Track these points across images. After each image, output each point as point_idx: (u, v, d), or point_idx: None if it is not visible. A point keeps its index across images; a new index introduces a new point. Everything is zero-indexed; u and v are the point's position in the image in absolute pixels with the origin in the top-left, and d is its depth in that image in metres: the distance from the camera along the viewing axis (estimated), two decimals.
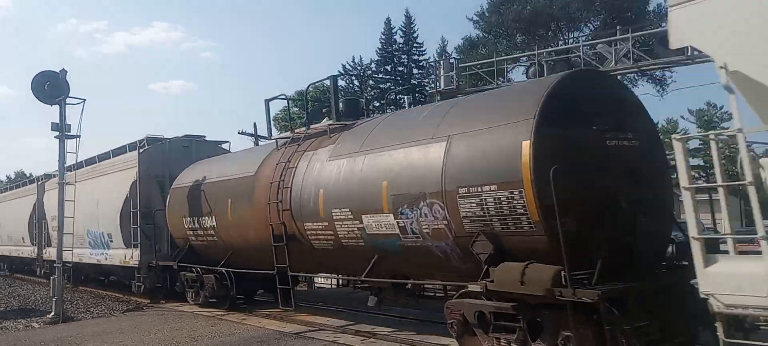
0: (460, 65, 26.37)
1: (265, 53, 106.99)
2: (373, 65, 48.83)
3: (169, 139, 17.05)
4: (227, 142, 18.02)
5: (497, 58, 25.26)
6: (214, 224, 12.91)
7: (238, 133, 27.85)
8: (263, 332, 10.55)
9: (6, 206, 28.48)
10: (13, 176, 78.29)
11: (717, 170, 5.26)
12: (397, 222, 8.17)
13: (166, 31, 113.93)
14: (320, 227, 9.65)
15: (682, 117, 47.38)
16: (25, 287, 22.40)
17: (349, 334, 9.90)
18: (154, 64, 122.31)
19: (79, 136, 14.79)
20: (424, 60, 47.74)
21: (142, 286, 16.03)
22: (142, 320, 12.87)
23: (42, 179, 23.70)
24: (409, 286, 9.11)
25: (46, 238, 22.31)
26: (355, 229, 8.96)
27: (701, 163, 36.51)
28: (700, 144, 31.19)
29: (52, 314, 13.73)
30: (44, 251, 22.63)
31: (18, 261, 27.94)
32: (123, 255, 16.56)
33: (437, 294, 9.34)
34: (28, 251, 25.27)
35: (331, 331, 10.31)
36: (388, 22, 48.59)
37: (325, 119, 11.52)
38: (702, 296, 5.21)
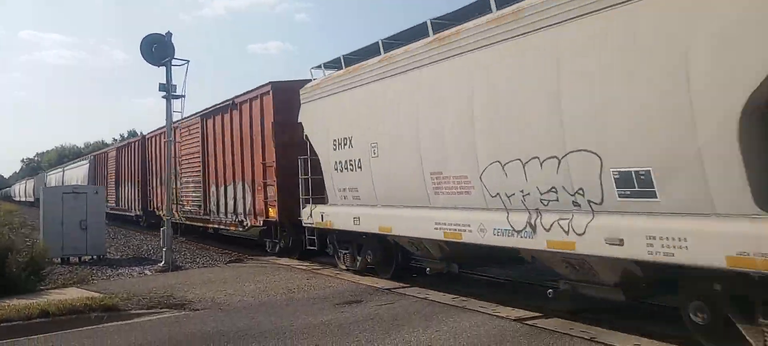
0: None
1: (357, 12, 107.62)
2: None
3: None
4: None
5: None
6: None
7: None
8: (356, 287, 10.79)
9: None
10: (126, 135, 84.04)
11: None
12: None
13: None
14: None
15: None
16: (137, 237, 24.18)
17: (440, 292, 9.92)
18: (252, 26, 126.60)
19: (183, 96, 15.66)
20: None
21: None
22: (242, 271, 13.53)
23: None
24: None
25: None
26: None
27: None
28: None
29: (163, 263, 14.74)
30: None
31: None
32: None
33: None
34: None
35: (422, 287, 10.39)
36: None
37: None
38: None
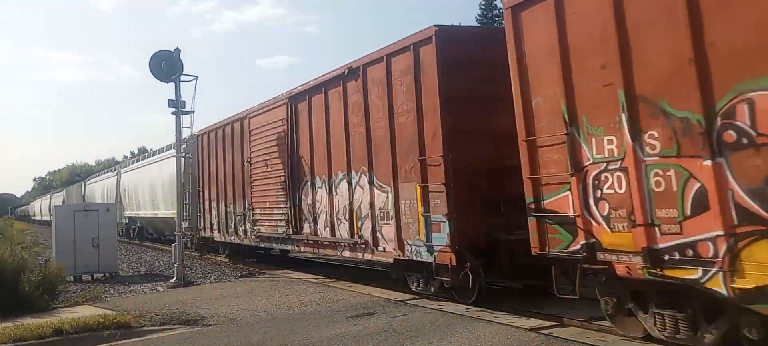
0: None
1: (365, 24, 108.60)
2: None
3: None
4: None
5: None
6: None
7: None
8: (369, 299, 10.73)
9: None
10: (136, 152, 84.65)
11: None
12: None
13: (272, 7, 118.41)
14: None
15: None
16: (149, 253, 24.23)
17: (453, 303, 9.85)
18: (261, 41, 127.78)
19: (193, 112, 15.70)
20: None
21: None
22: (254, 285, 13.49)
23: None
24: None
25: None
26: None
27: None
28: None
29: (175, 278, 14.73)
30: None
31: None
32: None
33: None
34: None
35: (436, 299, 10.31)
36: None
37: None
38: None
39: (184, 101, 15.58)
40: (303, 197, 13.78)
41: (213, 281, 15.02)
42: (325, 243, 13.11)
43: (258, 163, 15.77)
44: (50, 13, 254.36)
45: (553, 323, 7.98)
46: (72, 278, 15.77)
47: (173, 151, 21.13)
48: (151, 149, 40.26)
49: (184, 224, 20.29)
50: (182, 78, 15.43)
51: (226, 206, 18.15)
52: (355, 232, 11.79)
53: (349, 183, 11.92)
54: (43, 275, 12.36)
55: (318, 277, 13.90)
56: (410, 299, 10.39)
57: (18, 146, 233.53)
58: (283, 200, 14.45)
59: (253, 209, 16.07)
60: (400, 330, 8.16)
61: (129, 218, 32.63)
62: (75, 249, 16.14)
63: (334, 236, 12.53)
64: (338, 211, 12.38)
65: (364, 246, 11.56)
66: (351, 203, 11.90)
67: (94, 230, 16.45)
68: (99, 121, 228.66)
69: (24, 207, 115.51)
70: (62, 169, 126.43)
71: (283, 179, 14.46)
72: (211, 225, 19.55)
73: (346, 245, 12.20)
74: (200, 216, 20.62)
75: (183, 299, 11.85)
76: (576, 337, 7.28)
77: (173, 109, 15.51)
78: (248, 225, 16.45)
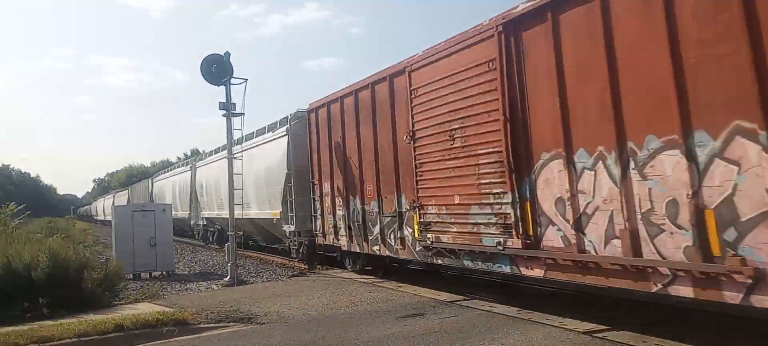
0: None
1: (411, 24, 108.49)
2: None
3: None
4: None
5: None
6: None
7: None
8: (418, 299, 10.74)
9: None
10: (189, 153, 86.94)
11: None
12: None
13: (317, 10, 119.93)
14: None
15: None
16: (203, 253, 24.87)
17: (504, 305, 9.76)
18: (307, 43, 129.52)
19: (243, 114, 16.04)
20: None
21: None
22: (305, 284, 13.68)
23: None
24: None
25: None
26: None
27: None
28: None
29: (228, 277, 15.09)
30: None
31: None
32: None
33: None
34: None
35: (486, 300, 10.25)
36: None
37: None
38: None
39: (235, 104, 15.95)
40: (540, 185, 8.45)
41: (265, 280, 15.31)
42: (609, 267, 7.42)
43: (431, 136, 10.63)
44: (104, 20, 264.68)
45: (607, 327, 7.80)
46: (131, 275, 16.35)
47: (269, 135, 19.14)
48: (203, 151, 39.59)
49: (291, 227, 17.10)
50: (232, 81, 15.79)
51: (362, 204, 13.33)
52: (716, 248, 6.21)
53: (689, 155, 6.40)
54: (104, 273, 12.86)
55: (368, 277, 13.99)
56: (459, 300, 10.35)
57: (78, 149, 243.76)
58: (498, 190, 9.11)
59: (421, 207, 10.93)
60: (450, 331, 8.15)
61: (207, 219, 27.92)
62: (133, 248, 16.75)
63: (640, 254, 7.00)
64: (651, 209, 6.86)
65: (752, 280, 5.85)
66: (697, 194, 6.35)
67: (151, 230, 17.03)
68: (154, 125, 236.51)
69: (86, 207, 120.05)
70: (120, 171, 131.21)
71: (493, 157, 9.18)
72: (336, 229, 14.60)
73: (684, 273, 6.53)
74: (315, 217, 15.89)
75: (237, 298, 12.12)
76: (632, 341, 7.12)
77: (224, 112, 15.89)
78: (407, 230, 11.65)
